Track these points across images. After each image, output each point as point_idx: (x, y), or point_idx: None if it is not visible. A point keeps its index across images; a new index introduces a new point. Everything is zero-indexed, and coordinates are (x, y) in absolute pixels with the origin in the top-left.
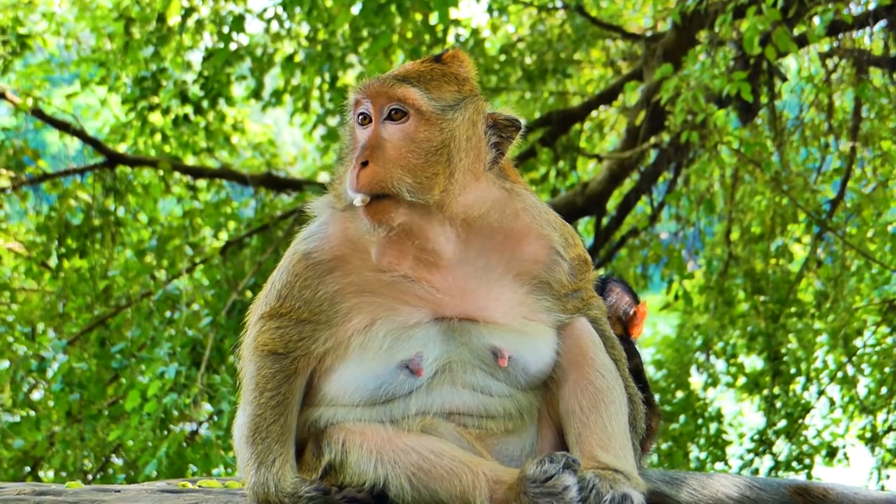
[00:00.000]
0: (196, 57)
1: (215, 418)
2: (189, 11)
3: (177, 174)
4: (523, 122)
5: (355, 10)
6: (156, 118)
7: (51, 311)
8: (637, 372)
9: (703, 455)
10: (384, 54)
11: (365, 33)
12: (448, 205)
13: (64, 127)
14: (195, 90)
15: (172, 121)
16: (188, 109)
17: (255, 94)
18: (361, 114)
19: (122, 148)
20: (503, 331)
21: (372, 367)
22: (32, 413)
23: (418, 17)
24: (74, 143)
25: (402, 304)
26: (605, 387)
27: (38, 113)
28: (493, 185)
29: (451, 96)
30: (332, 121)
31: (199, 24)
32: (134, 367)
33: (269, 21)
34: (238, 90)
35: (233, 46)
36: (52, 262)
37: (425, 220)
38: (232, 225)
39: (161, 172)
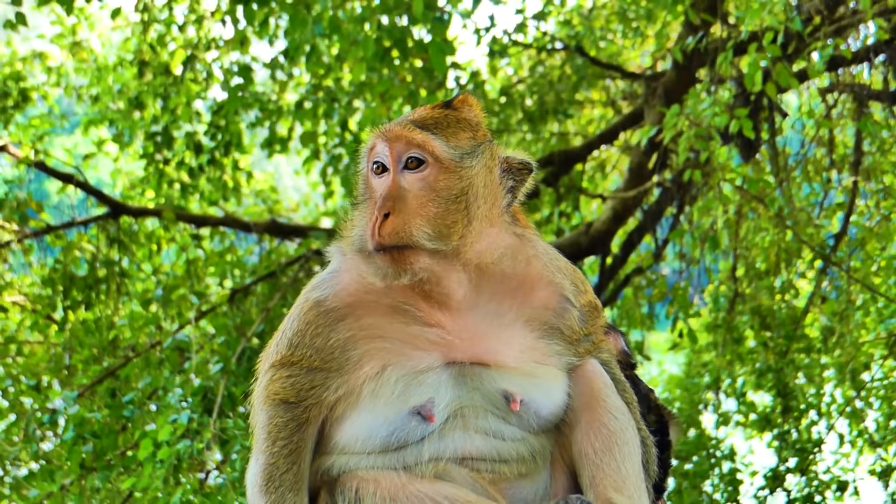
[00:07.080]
0: (204, 106)
1: (231, 464)
2: (191, 58)
3: (181, 223)
4: (535, 164)
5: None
6: (171, 171)
7: (57, 364)
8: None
9: (717, 495)
10: (381, 100)
11: (363, 77)
12: (464, 251)
13: (67, 178)
14: (206, 141)
15: (188, 172)
16: (203, 160)
17: (272, 142)
18: (377, 162)
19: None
20: (514, 375)
21: (384, 414)
22: (45, 464)
23: (417, 63)
24: (77, 194)
25: (412, 348)
26: (618, 429)
27: (40, 165)
28: (505, 231)
29: (467, 143)
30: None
31: (208, 75)
32: (146, 415)
33: (273, 69)
34: (248, 138)
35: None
36: (58, 314)
37: (441, 266)
38: (237, 272)
39: (165, 222)
